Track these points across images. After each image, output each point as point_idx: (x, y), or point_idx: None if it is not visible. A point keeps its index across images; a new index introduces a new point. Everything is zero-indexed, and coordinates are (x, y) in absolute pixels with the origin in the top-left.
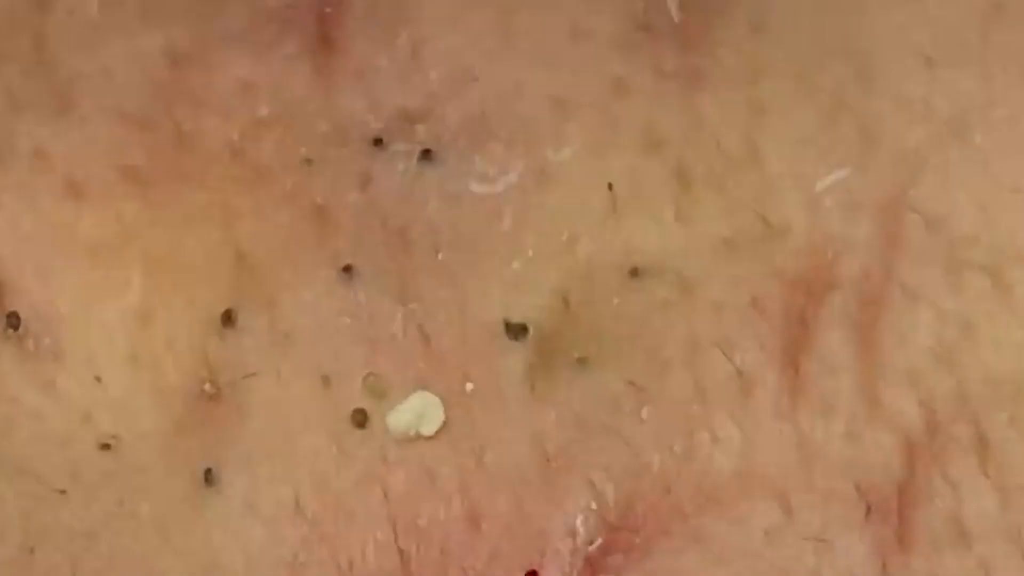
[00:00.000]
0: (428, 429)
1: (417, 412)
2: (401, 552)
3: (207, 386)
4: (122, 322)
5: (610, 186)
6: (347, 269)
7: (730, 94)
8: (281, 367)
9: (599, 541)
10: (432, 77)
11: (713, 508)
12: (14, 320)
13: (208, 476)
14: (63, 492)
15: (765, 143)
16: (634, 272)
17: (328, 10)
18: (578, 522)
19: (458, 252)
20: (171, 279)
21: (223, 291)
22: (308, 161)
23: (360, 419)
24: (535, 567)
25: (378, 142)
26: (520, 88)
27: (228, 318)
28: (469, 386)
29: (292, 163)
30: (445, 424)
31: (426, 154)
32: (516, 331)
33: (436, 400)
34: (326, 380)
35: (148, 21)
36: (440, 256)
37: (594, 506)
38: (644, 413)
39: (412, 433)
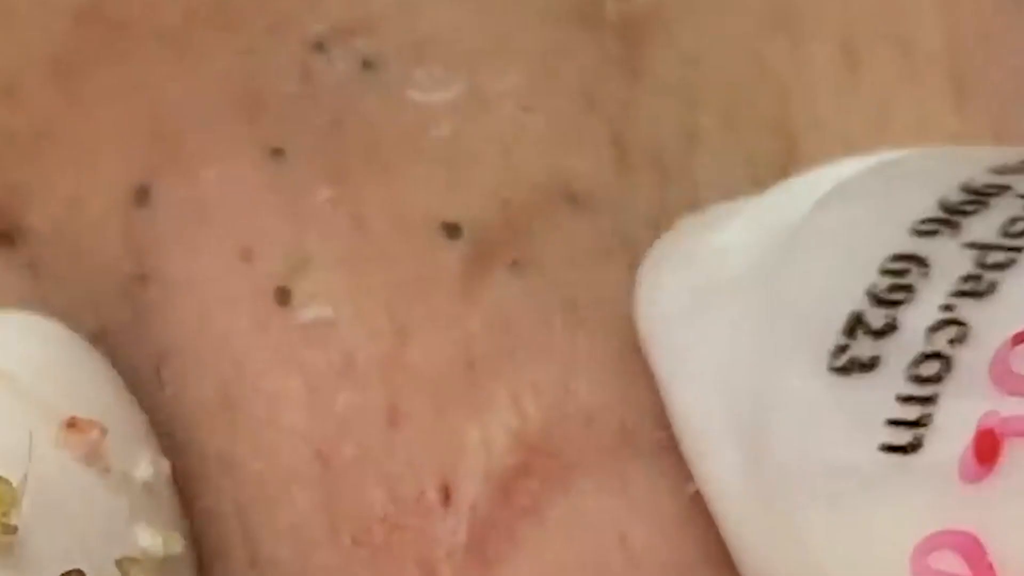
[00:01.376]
0: None
1: None
2: (317, 444)
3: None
4: None
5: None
6: (277, 151)
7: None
8: (198, 239)
9: (511, 460)
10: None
11: (640, 453)
12: None
13: None
14: None
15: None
16: (572, 199)
17: None
18: (494, 436)
19: (394, 148)
20: (83, 152)
21: (138, 166)
22: (248, 51)
23: (282, 297)
24: (445, 477)
25: (319, 46)
26: (465, 24)
27: (144, 194)
28: (394, 272)
29: (229, 52)
30: (368, 309)
31: (366, 64)
32: (451, 230)
33: None
34: (247, 254)
35: None
36: (375, 149)
37: (513, 424)
38: (579, 337)
39: None
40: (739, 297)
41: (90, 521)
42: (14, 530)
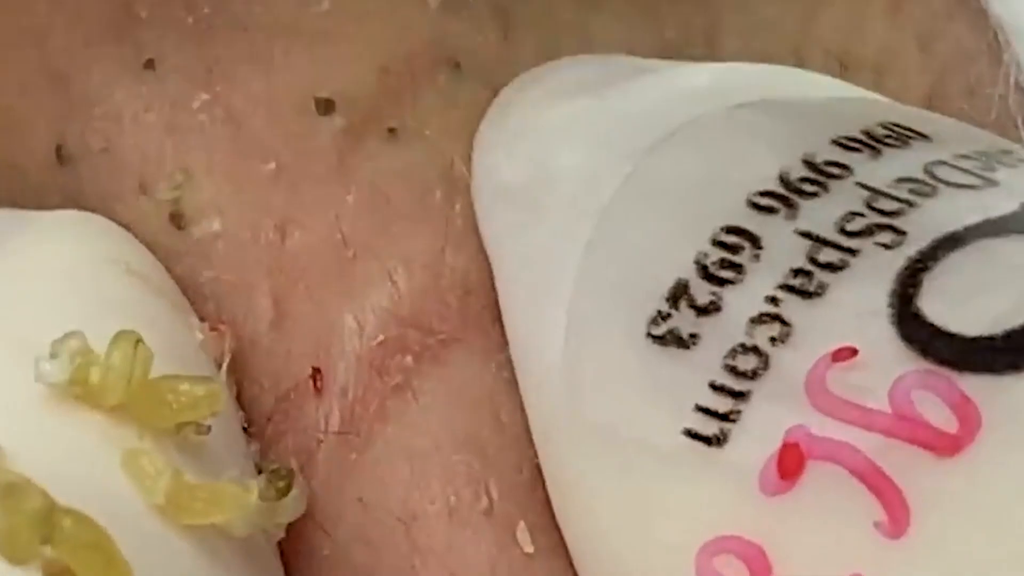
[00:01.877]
0: None
1: None
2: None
3: None
4: None
5: None
6: (149, 63)
7: None
8: (109, 189)
9: (382, 337)
10: None
11: None
12: None
13: None
14: None
15: None
16: (455, 65)
17: None
18: (366, 316)
19: (270, 31)
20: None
21: (48, 123)
22: None
23: (178, 221)
24: (319, 365)
25: None
26: None
27: (60, 152)
28: (271, 165)
29: None
30: (249, 210)
31: None
32: (323, 105)
33: None
34: (143, 187)
35: None
36: (250, 37)
37: (385, 302)
38: (457, 205)
39: None
40: (566, 218)
41: (229, 423)
42: (207, 430)
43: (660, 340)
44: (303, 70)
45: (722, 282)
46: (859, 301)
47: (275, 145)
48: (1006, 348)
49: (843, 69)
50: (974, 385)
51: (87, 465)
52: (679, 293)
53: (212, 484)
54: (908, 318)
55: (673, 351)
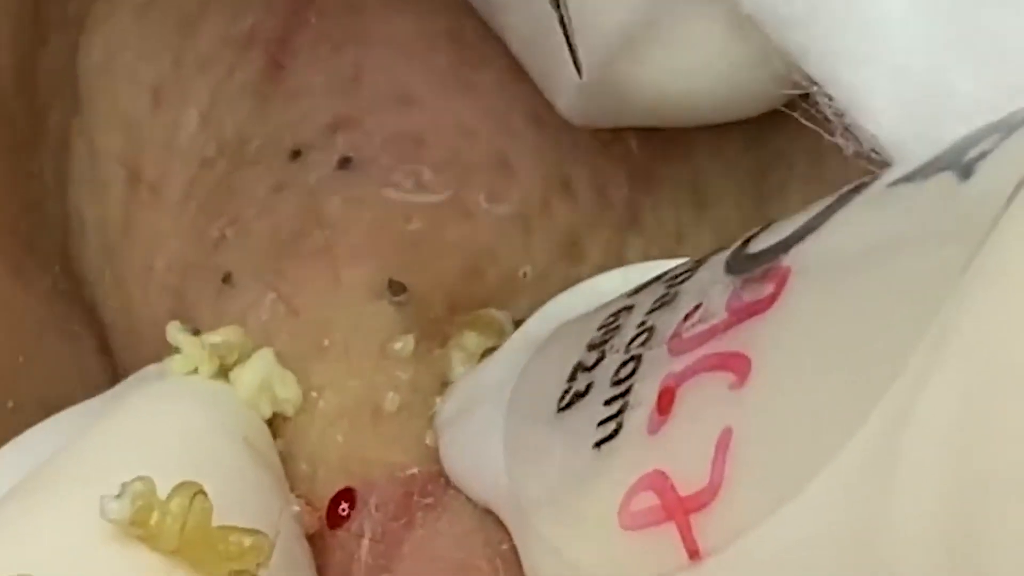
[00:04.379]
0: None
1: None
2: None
3: None
4: None
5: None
6: (227, 278)
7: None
8: None
9: (416, 470)
10: (368, 94)
11: None
12: None
13: None
14: None
15: None
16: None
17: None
18: (401, 456)
19: (344, 235)
20: None
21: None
22: (230, 188)
23: None
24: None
25: (295, 154)
26: (466, 130)
27: None
28: (325, 342)
29: (208, 186)
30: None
31: (345, 162)
32: (395, 288)
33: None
34: None
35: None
36: (324, 239)
37: (425, 441)
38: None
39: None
40: (491, 400)
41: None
42: None
43: (567, 407)
44: (371, 258)
45: (605, 341)
46: (702, 281)
47: (333, 322)
48: (805, 226)
49: None
50: (788, 258)
51: None
52: (575, 370)
53: None
54: (736, 260)
55: (576, 405)
